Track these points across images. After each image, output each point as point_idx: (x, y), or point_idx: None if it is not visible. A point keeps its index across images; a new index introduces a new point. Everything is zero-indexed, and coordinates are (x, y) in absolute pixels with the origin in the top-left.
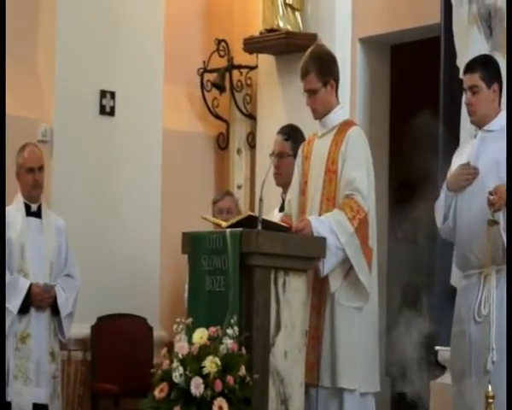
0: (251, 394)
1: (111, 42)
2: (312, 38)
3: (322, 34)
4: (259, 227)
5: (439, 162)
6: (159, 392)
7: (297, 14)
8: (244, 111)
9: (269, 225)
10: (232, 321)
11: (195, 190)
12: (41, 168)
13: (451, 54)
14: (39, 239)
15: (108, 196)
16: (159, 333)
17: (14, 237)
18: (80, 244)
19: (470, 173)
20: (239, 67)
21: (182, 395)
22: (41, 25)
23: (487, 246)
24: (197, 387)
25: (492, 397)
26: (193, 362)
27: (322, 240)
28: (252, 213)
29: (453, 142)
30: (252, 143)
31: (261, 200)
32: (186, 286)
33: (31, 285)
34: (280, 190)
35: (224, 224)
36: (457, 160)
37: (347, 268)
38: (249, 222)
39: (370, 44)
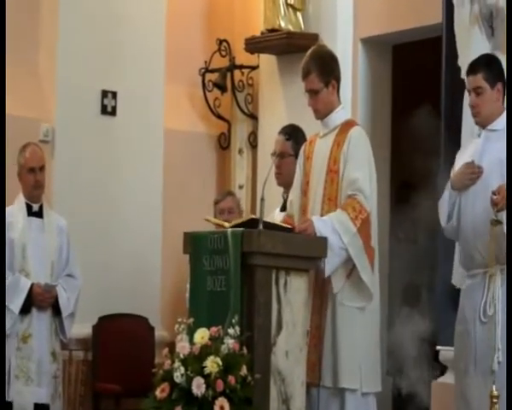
0: (252, 394)
1: (112, 42)
2: (314, 38)
3: (324, 34)
4: (261, 227)
5: (440, 162)
6: (160, 392)
7: (298, 14)
8: (245, 111)
9: (271, 228)
10: (233, 321)
11: (197, 190)
12: (42, 168)
13: (453, 54)
14: (41, 239)
15: (110, 195)
16: (160, 333)
17: (15, 237)
18: (82, 244)
19: (474, 172)
20: (240, 66)
21: (183, 395)
22: (42, 25)
23: (491, 246)
24: (198, 387)
25: (497, 397)
26: (194, 362)
27: (324, 240)
28: (254, 216)
29: (454, 142)
30: (253, 143)
31: (262, 200)
32: (187, 286)
33: (32, 285)
34: (281, 189)
35: (226, 225)
36: (461, 159)
37: (350, 268)
38: (251, 225)
39: (372, 44)
